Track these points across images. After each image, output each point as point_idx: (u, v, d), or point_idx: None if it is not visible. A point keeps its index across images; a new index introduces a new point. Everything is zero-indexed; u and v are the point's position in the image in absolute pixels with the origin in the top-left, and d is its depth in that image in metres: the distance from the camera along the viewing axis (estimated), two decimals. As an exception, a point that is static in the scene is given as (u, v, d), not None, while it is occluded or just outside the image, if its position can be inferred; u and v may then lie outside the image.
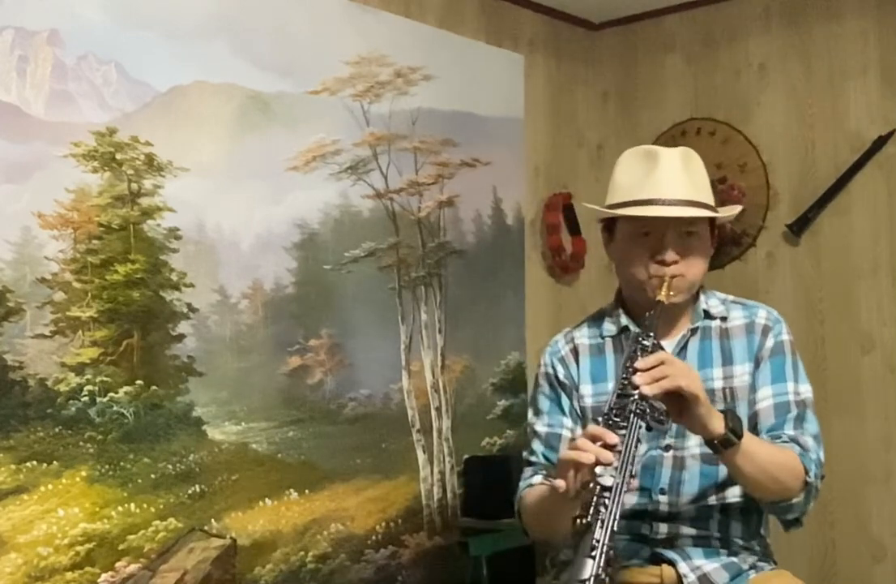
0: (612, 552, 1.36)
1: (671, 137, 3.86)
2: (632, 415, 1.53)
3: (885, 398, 3.37)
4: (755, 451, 1.66)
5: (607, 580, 1.32)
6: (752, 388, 1.84)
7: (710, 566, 1.78)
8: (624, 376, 1.60)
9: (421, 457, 3.29)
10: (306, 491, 2.94)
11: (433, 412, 3.35)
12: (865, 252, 3.43)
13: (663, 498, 1.80)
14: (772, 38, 3.66)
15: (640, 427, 1.53)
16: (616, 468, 1.45)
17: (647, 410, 1.54)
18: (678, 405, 1.58)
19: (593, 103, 4.09)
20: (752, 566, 1.83)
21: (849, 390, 3.41)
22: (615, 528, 1.38)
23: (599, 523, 1.38)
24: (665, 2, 3.83)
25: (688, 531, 1.81)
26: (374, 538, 3.11)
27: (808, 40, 3.58)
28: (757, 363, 1.85)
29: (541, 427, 1.91)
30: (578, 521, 1.40)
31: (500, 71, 3.68)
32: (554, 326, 3.71)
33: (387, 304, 3.23)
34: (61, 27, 2.48)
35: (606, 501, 1.41)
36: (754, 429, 1.80)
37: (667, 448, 1.81)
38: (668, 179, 1.80)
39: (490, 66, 3.63)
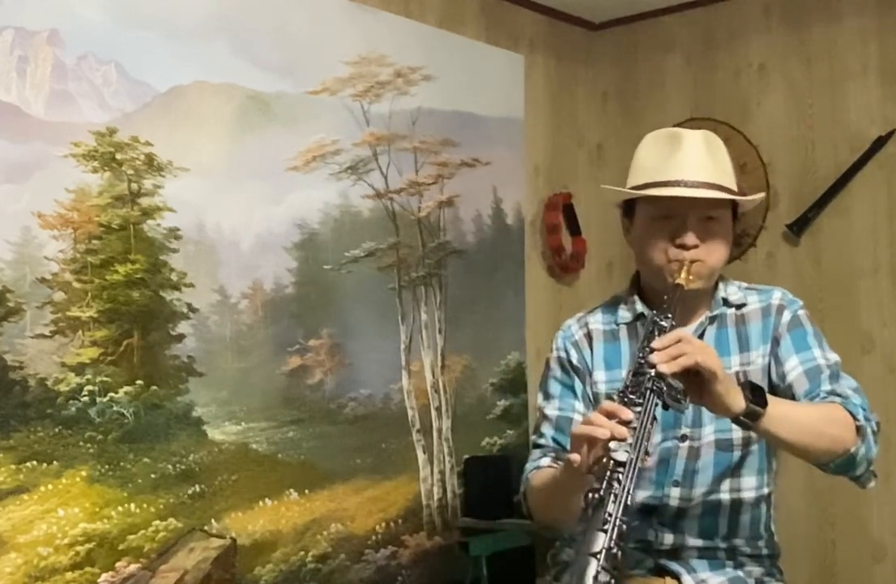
0: (624, 526, 1.33)
1: (671, 137, 3.85)
2: (648, 392, 1.49)
3: (885, 398, 3.37)
4: (787, 413, 1.61)
5: (619, 554, 1.29)
6: (778, 362, 1.80)
7: (716, 579, 1.76)
8: (640, 355, 1.57)
9: (421, 457, 3.29)
10: (306, 491, 2.94)
11: (433, 412, 3.35)
12: (865, 252, 3.43)
13: (675, 492, 1.78)
14: (772, 38, 3.66)
15: (657, 405, 1.50)
16: (630, 444, 1.42)
17: (664, 388, 1.51)
18: (697, 385, 1.55)
19: (593, 103, 4.09)
20: (759, 582, 1.80)
21: (849, 390, 3.41)
22: (628, 503, 1.36)
23: (612, 497, 1.36)
24: (665, 2, 3.83)
25: (693, 541, 1.78)
26: (374, 538, 3.11)
27: (808, 40, 3.58)
28: (776, 341, 1.81)
29: (551, 411, 1.88)
30: (591, 495, 1.38)
31: (500, 71, 3.68)
32: (554, 326, 3.68)
33: (387, 304, 3.23)
34: (61, 27, 2.48)
35: (620, 476, 1.38)
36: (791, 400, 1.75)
37: (682, 438, 1.79)
38: (692, 161, 1.77)
39: (490, 66, 3.63)
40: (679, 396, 1.53)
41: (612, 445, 1.42)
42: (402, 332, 3.26)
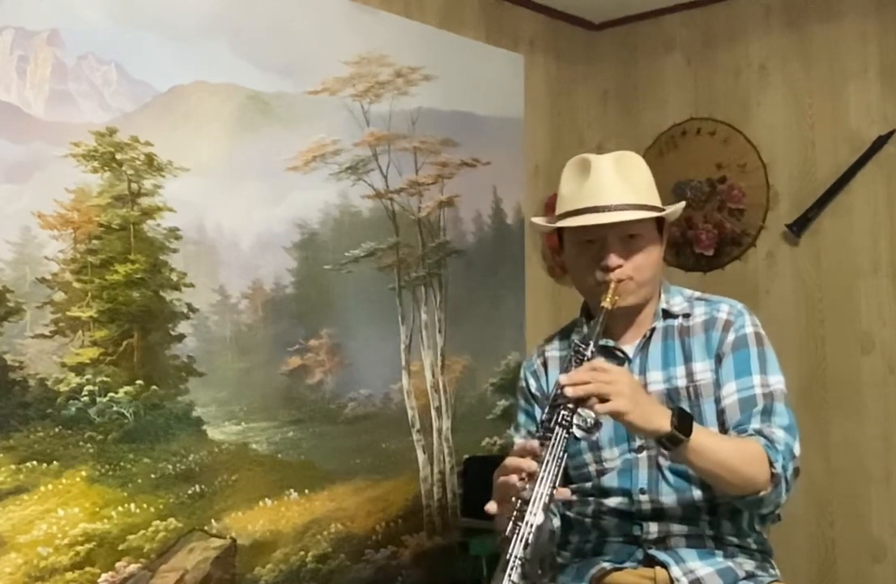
0: (527, 565, 1.38)
1: (671, 137, 3.86)
2: (557, 426, 1.54)
3: (885, 398, 3.37)
4: (708, 445, 1.64)
5: None
6: (717, 384, 1.81)
7: (705, 570, 1.76)
8: (557, 386, 1.60)
9: (421, 457, 3.29)
10: (306, 491, 2.94)
11: (433, 412, 3.35)
12: (865, 252, 3.43)
13: (644, 497, 1.81)
14: (772, 38, 3.66)
15: (566, 438, 1.54)
16: (539, 480, 1.47)
17: (573, 420, 1.54)
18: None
19: (593, 103, 4.09)
20: (750, 575, 1.80)
21: (849, 390, 3.41)
22: (531, 540, 1.41)
23: (516, 537, 1.41)
24: (665, 2, 3.83)
25: (679, 528, 1.80)
26: (374, 538, 3.11)
27: (808, 40, 3.58)
28: (719, 359, 1.82)
29: (518, 440, 1.94)
30: (499, 538, 1.45)
31: (500, 71, 3.68)
32: (554, 326, 3.68)
33: (387, 304, 3.23)
34: (61, 27, 2.48)
35: (525, 514, 1.44)
36: (723, 427, 1.78)
37: (639, 449, 1.82)
38: (600, 186, 1.82)
39: (490, 66, 3.63)
40: (589, 427, 1.56)
41: (518, 484, 1.49)
42: (402, 332, 3.26)
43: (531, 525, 1.42)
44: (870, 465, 3.36)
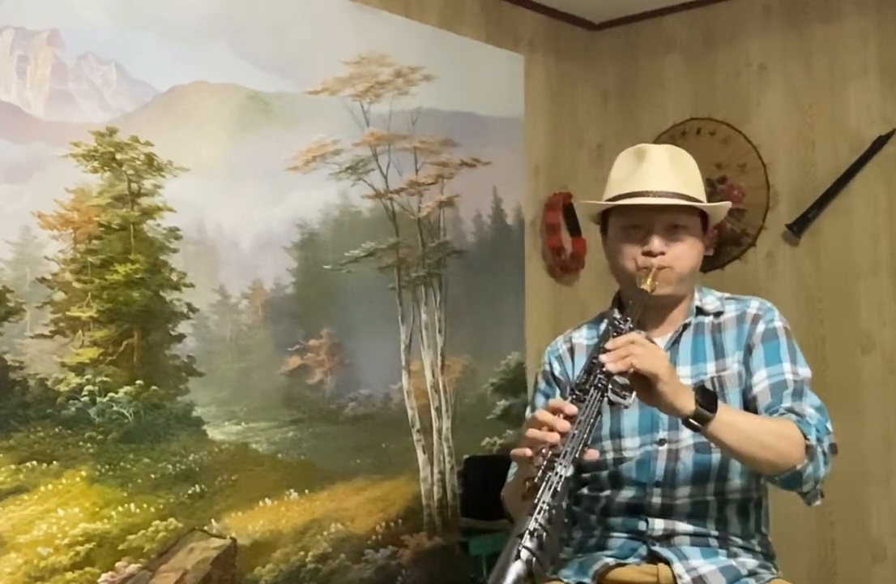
0: (553, 511, 1.40)
1: (671, 137, 3.85)
2: (592, 388, 1.57)
3: (885, 398, 3.37)
4: (737, 420, 1.66)
5: (544, 535, 1.37)
6: (748, 372, 1.83)
7: (707, 567, 1.77)
8: (594, 354, 1.64)
9: (421, 457, 3.29)
10: (306, 491, 2.94)
11: (433, 412, 3.35)
12: (865, 252, 3.43)
13: (657, 491, 1.81)
14: (772, 38, 3.67)
15: (600, 401, 1.57)
16: (571, 436, 1.51)
17: (609, 385, 1.58)
18: (647, 385, 1.60)
19: (593, 103, 4.09)
20: (752, 573, 1.80)
21: (849, 390, 3.41)
22: (559, 489, 1.44)
23: (545, 484, 1.44)
24: (665, 2, 3.83)
25: (684, 527, 1.80)
26: (374, 538, 3.11)
27: (808, 40, 3.58)
28: (749, 350, 1.85)
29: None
30: (527, 483, 1.47)
31: (500, 71, 3.68)
32: (554, 326, 3.71)
33: (387, 304, 3.23)
34: (61, 27, 2.48)
35: (556, 465, 1.47)
36: (754, 413, 1.80)
37: (661, 442, 1.83)
38: (655, 173, 1.85)
39: (490, 66, 3.63)
40: (624, 392, 1.60)
41: (549, 440, 1.51)
42: (402, 332, 3.26)
43: (560, 476, 1.45)
44: (870, 465, 3.36)
